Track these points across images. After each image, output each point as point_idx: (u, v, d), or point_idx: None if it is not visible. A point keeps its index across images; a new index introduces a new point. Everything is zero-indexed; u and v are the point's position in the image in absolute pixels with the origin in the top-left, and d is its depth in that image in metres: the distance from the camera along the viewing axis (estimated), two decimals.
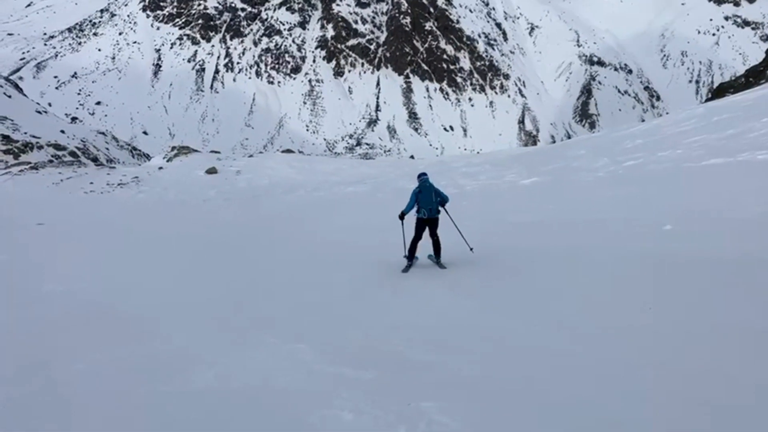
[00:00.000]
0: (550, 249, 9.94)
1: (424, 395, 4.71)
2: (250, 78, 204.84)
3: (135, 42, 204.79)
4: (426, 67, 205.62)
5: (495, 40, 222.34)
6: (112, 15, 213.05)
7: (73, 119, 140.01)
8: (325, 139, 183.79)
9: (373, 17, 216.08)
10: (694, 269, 7.24)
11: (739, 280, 6.62)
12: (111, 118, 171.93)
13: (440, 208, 10.69)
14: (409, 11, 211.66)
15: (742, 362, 4.66)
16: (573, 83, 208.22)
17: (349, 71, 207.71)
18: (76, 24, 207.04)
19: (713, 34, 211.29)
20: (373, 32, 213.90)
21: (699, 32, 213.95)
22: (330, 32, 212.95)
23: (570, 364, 5.13)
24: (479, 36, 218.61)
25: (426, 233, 10.64)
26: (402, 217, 10.63)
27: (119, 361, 6.21)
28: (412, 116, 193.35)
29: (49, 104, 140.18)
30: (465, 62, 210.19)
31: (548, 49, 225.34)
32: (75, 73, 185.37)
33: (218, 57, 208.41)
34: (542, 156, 29.45)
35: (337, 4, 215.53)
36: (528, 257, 9.68)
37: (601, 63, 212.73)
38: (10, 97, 78.62)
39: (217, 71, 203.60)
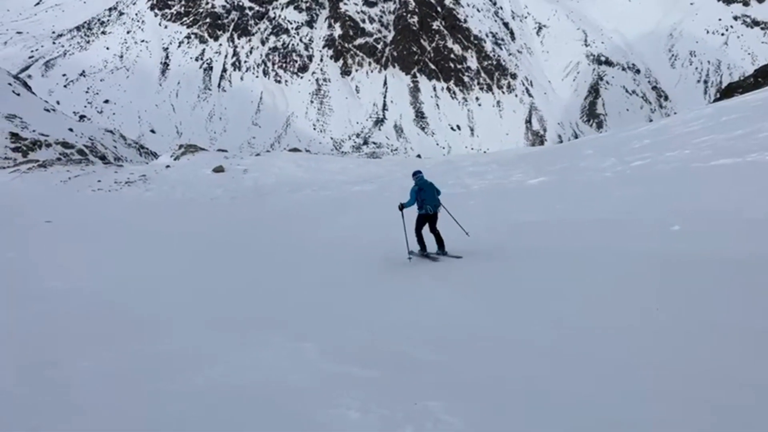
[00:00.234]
0: (556, 249, 9.92)
1: (430, 395, 4.71)
2: (257, 77, 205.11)
3: (143, 40, 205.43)
4: (433, 67, 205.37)
5: (502, 40, 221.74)
6: (121, 13, 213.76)
7: (81, 117, 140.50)
8: (332, 138, 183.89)
9: (381, 16, 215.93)
10: (701, 269, 7.22)
11: (747, 280, 6.59)
12: (119, 116, 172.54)
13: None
14: (417, 10, 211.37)
15: (746, 363, 4.64)
16: (580, 83, 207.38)
17: (357, 70, 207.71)
18: (85, 22, 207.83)
19: (722, 34, 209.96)
20: (380, 31, 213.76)
21: (708, 32, 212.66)
22: (337, 31, 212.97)
23: (575, 364, 5.12)
24: (487, 35, 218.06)
25: (425, 229, 11.00)
26: (402, 208, 10.99)
27: (124, 359, 6.23)
28: (419, 115, 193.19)
29: (58, 102, 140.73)
30: (472, 61, 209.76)
31: (556, 48, 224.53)
32: (83, 71, 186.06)
33: (226, 56, 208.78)
34: (549, 156, 29.37)
35: (345, 3, 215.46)
36: (534, 257, 9.66)
37: (608, 63, 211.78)
38: (18, 95, 78.99)
39: (224, 70, 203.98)
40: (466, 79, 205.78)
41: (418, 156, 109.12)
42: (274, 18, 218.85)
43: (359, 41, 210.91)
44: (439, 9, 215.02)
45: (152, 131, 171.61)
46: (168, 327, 7.49)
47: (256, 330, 7.15)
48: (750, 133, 16.57)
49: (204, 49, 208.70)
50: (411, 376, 5.26)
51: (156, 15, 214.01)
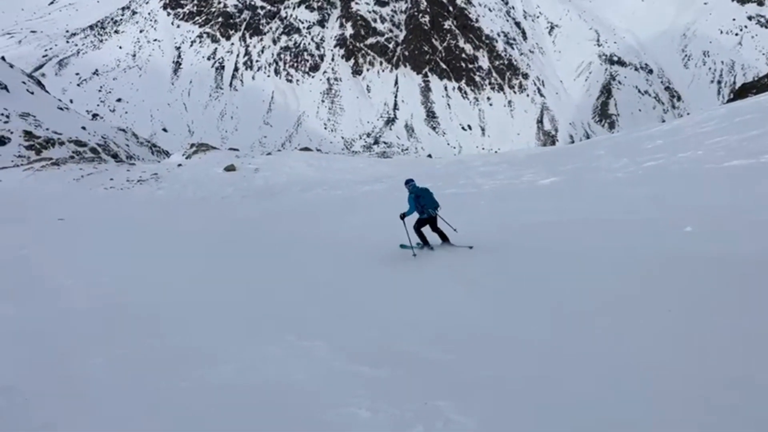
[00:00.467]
0: (566, 249, 9.88)
1: (440, 394, 4.71)
2: (269, 76, 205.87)
3: (155, 40, 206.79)
4: (444, 66, 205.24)
5: (514, 39, 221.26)
6: (134, 13, 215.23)
7: (94, 116, 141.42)
8: (342, 138, 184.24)
9: (392, 16, 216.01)
10: (713, 271, 7.17)
11: (760, 282, 6.54)
12: (131, 115, 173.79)
13: None
14: (428, 10, 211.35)
15: (762, 366, 4.61)
16: (593, 83, 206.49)
17: (368, 70, 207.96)
18: (98, 22, 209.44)
19: (736, 34, 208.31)
20: (391, 31, 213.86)
21: (721, 32, 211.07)
22: (349, 30, 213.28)
23: (583, 364, 5.10)
24: (498, 35, 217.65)
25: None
26: (403, 217, 11.62)
27: (137, 356, 6.27)
28: (430, 115, 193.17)
29: (71, 101, 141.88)
30: (484, 61, 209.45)
31: (568, 48, 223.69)
32: (96, 70, 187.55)
33: (237, 55, 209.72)
34: (561, 156, 29.24)
35: (356, 3, 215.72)
36: (544, 257, 9.63)
37: (621, 63, 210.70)
38: (32, 93, 79.68)
39: (236, 69, 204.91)
40: (477, 78, 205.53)
41: (429, 156, 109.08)
42: (285, 17, 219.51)
43: (370, 41, 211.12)
44: (450, 8, 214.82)
45: (164, 130, 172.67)
46: (180, 324, 7.53)
47: (267, 328, 7.18)
48: (764, 133, 16.43)
49: (216, 49, 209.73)
50: (420, 375, 5.27)
51: (168, 14, 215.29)
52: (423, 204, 11.60)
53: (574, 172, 21.06)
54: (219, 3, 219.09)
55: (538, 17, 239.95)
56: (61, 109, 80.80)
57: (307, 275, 10.89)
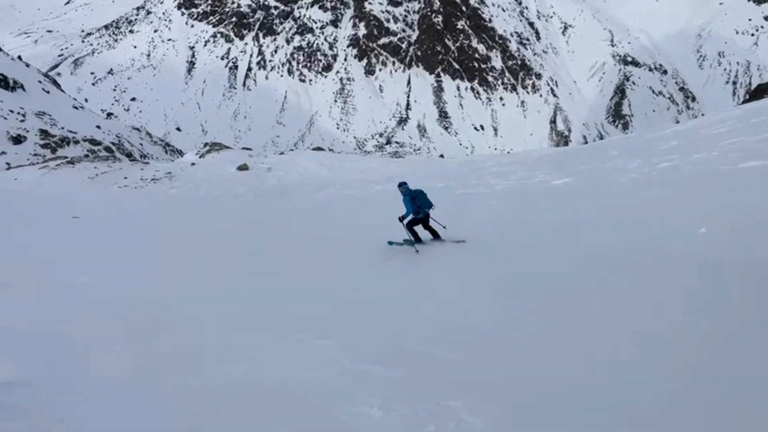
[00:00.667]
0: (579, 249, 9.85)
1: (452, 394, 4.73)
2: (282, 76, 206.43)
3: (170, 39, 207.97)
4: (457, 66, 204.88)
5: (527, 40, 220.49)
6: (148, 12, 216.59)
7: (109, 115, 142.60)
8: (355, 137, 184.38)
9: (405, 16, 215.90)
10: (727, 273, 7.13)
11: None
12: (145, 114, 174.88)
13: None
14: (441, 10, 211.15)
15: None
16: (606, 83, 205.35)
17: (380, 69, 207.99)
18: (113, 21, 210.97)
19: (752, 35, 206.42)
20: (404, 30, 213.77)
21: (737, 32, 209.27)
22: (362, 30, 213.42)
23: (595, 365, 5.11)
24: (511, 35, 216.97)
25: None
26: (402, 219, 12.53)
27: (151, 354, 6.33)
28: (443, 115, 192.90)
29: (86, 100, 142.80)
30: (497, 61, 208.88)
31: (581, 48, 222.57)
32: (111, 69, 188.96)
33: (251, 55, 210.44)
34: (574, 156, 29.10)
35: (370, 3, 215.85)
36: (554, 257, 9.61)
37: (635, 63, 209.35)
38: (48, 92, 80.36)
39: (249, 69, 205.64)
40: (490, 78, 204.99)
41: (441, 156, 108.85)
42: (299, 17, 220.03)
43: (383, 41, 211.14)
44: (463, 8, 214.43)
45: (178, 129, 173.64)
46: (193, 323, 7.58)
47: (279, 327, 7.22)
48: None
49: (229, 48, 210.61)
50: (432, 375, 5.29)
51: (183, 14, 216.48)
52: (419, 204, 12.37)
53: (587, 172, 20.97)
54: (233, 3, 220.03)
55: (551, 17, 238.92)
56: (76, 108, 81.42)
57: (319, 274, 10.93)
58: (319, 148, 72.27)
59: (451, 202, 21.31)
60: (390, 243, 13.01)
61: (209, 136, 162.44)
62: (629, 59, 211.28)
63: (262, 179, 41.71)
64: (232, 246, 15.95)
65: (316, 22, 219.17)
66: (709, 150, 17.82)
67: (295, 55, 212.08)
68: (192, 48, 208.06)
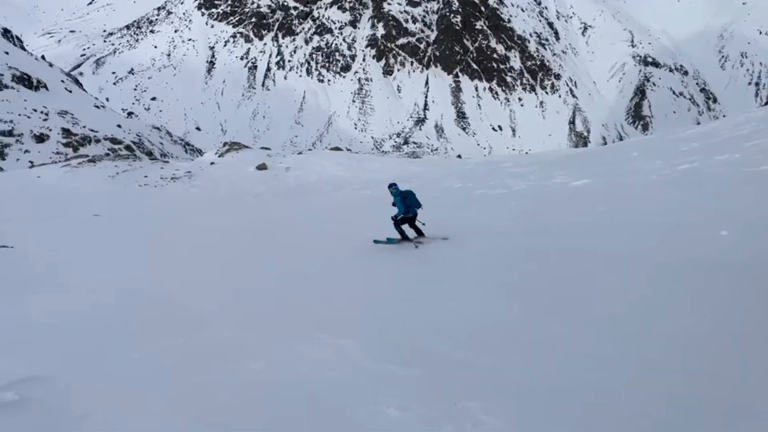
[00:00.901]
0: (597, 250, 9.80)
1: (469, 395, 4.74)
2: (300, 76, 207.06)
3: (190, 39, 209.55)
4: (476, 66, 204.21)
5: (547, 40, 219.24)
6: (169, 13, 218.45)
7: (129, 114, 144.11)
8: (372, 138, 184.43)
9: (424, 16, 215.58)
10: (750, 276, 7.07)
11: None
12: (165, 113, 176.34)
13: None
14: (460, 10, 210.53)
15: None
16: (626, 84, 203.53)
17: (398, 70, 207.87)
18: (134, 21, 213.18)
19: None
20: (423, 31, 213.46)
21: (760, 32, 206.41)
22: (380, 31, 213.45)
23: (616, 368, 5.09)
24: (531, 35, 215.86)
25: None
26: (395, 218, 13.26)
27: (172, 350, 6.39)
28: (461, 115, 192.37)
29: (107, 99, 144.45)
30: (515, 61, 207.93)
31: (601, 49, 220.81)
32: (132, 69, 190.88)
33: (270, 55, 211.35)
34: (593, 157, 28.93)
35: (388, 3, 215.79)
36: (574, 259, 9.57)
37: (655, 64, 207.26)
38: (70, 92, 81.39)
39: (268, 69, 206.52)
40: (508, 79, 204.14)
41: (459, 156, 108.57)
42: (318, 18, 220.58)
43: (402, 41, 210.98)
44: (482, 9, 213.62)
45: (198, 128, 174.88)
46: (215, 320, 7.64)
47: (298, 325, 7.25)
48: None
49: (249, 49, 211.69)
50: (449, 375, 5.30)
51: (203, 14, 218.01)
52: (409, 204, 13.14)
53: (607, 174, 20.83)
54: (252, 3, 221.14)
55: (571, 17, 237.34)
56: (97, 107, 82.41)
57: (336, 273, 10.98)
58: (337, 148, 72.42)
59: (468, 202, 21.28)
60: (376, 241, 13.59)
61: (228, 135, 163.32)
62: (649, 60, 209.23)
63: (281, 179, 41.91)
64: (250, 245, 16.05)
65: (334, 23, 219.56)
66: (731, 152, 17.63)
67: (314, 56, 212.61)
68: (212, 48, 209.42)
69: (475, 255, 11.09)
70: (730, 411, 4.13)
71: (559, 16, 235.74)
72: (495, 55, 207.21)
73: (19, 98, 68.61)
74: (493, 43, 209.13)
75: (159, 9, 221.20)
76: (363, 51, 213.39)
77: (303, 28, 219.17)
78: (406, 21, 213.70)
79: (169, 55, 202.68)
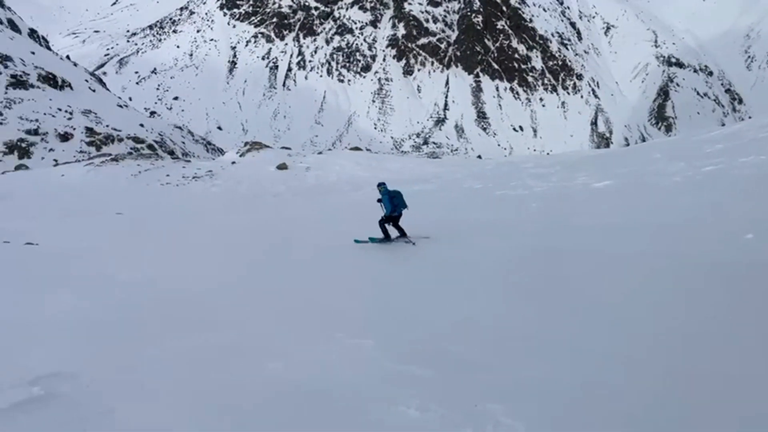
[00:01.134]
0: (617, 253, 9.72)
1: (489, 396, 4.72)
2: (321, 76, 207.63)
3: (212, 39, 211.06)
4: (497, 66, 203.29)
5: (569, 40, 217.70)
6: (191, 13, 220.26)
7: (152, 113, 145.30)
8: (392, 138, 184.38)
9: (445, 16, 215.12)
10: None
11: None
12: (187, 113, 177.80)
13: None
14: (481, 10, 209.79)
15: None
16: (649, 85, 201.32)
17: (419, 70, 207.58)
18: (157, 21, 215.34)
19: None
20: (444, 31, 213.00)
21: None
22: (401, 31, 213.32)
23: (637, 369, 5.04)
24: (552, 35, 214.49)
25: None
26: (383, 218, 13.74)
27: (192, 348, 6.45)
28: (481, 116, 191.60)
29: (130, 98, 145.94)
30: (537, 62, 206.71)
31: (624, 49, 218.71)
32: (154, 68, 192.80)
33: (291, 55, 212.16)
34: (616, 158, 28.69)
35: (409, 3, 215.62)
36: (596, 261, 9.49)
37: (679, 64, 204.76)
38: (94, 91, 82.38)
39: (289, 69, 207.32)
40: (530, 79, 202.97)
41: (479, 156, 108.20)
42: (338, 18, 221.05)
43: (422, 41, 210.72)
44: (504, 8, 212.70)
45: (219, 128, 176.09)
46: (235, 318, 7.70)
47: (317, 325, 7.28)
48: None
49: (270, 49, 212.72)
50: (469, 376, 5.28)
51: (225, 14, 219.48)
52: (396, 204, 13.55)
53: (630, 175, 20.63)
54: (274, 4, 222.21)
55: (593, 17, 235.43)
56: (120, 106, 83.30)
57: (356, 274, 10.99)
58: (356, 148, 72.51)
59: (488, 202, 21.19)
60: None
61: (249, 135, 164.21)
62: (673, 60, 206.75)
63: (301, 178, 42.06)
64: (271, 244, 16.13)
65: (355, 23, 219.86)
66: (757, 153, 17.38)
67: (335, 56, 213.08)
68: (233, 48, 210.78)
69: (492, 256, 11.06)
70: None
71: (582, 15, 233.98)
72: (516, 55, 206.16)
73: (45, 97, 69.58)
74: (514, 43, 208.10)
75: (182, 9, 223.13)
76: (383, 51, 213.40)
77: (324, 29, 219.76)
78: (427, 21, 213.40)
79: (191, 54, 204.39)
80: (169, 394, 5.16)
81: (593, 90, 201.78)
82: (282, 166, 45.77)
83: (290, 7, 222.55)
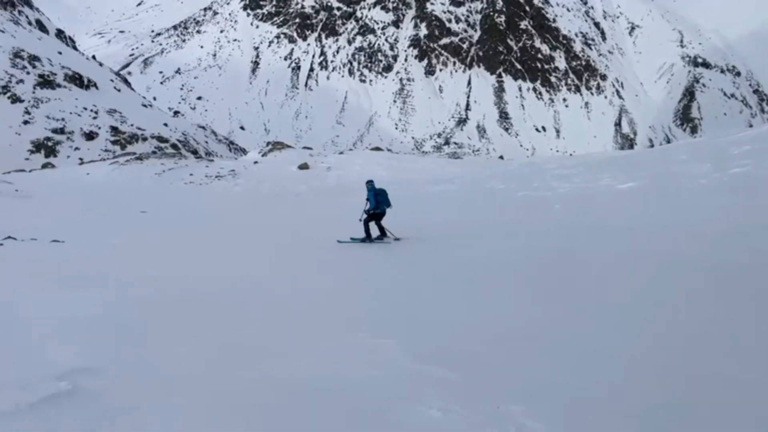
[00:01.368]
0: (644, 256, 9.61)
1: (511, 398, 4.67)
2: (343, 76, 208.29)
3: (235, 40, 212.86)
4: (519, 67, 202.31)
5: (593, 40, 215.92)
6: (215, 13, 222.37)
7: (176, 113, 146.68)
8: (413, 138, 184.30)
9: (467, 16, 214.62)
10: None
11: None
12: (210, 112, 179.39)
13: None
14: (504, 10, 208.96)
15: None
16: (674, 85, 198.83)
17: (441, 70, 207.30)
18: (181, 22, 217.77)
19: None
20: (466, 31, 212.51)
21: None
22: (423, 31, 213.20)
23: (659, 373, 4.97)
24: (576, 35, 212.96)
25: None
26: (369, 213, 14.24)
27: (215, 346, 6.47)
28: (503, 116, 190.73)
29: (154, 98, 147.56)
30: (560, 62, 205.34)
31: (649, 49, 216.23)
32: (178, 69, 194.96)
33: (313, 55, 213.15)
34: (640, 160, 28.36)
35: (432, 3, 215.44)
36: (617, 262, 9.40)
37: (706, 65, 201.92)
38: (119, 91, 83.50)
39: (311, 69, 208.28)
40: (553, 79, 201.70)
41: (501, 157, 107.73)
42: (361, 18, 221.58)
43: (444, 41, 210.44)
44: (527, 8, 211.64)
45: (242, 128, 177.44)
46: (258, 316, 7.72)
47: (340, 324, 7.28)
48: None
49: (293, 49, 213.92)
50: (491, 378, 5.24)
51: (248, 15, 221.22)
52: (380, 201, 14.00)
53: (654, 177, 20.39)
54: (297, 4, 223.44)
55: (618, 17, 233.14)
56: (145, 106, 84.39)
57: (378, 274, 10.99)
58: (377, 148, 72.56)
59: (510, 203, 21.10)
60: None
61: (272, 135, 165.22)
62: (699, 60, 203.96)
63: (322, 178, 42.23)
64: (292, 242, 16.20)
65: (377, 23, 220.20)
66: None
67: (357, 56, 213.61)
68: (256, 48, 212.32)
69: (514, 259, 10.98)
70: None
71: (606, 15, 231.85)
72: (539, 55, 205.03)
73: (71, 97, 70.69)
74: (537, 43, 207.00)
75: (205, 10, 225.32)
76: (405, 51, 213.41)
77: (346, 29, 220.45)
78: (449, 21, 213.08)
79: (214, 55, 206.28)
80: (194, 391, 5.18)
81: (617, 90, 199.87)
82: (303, 166, 46.02)
83: (313, 7, 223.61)
